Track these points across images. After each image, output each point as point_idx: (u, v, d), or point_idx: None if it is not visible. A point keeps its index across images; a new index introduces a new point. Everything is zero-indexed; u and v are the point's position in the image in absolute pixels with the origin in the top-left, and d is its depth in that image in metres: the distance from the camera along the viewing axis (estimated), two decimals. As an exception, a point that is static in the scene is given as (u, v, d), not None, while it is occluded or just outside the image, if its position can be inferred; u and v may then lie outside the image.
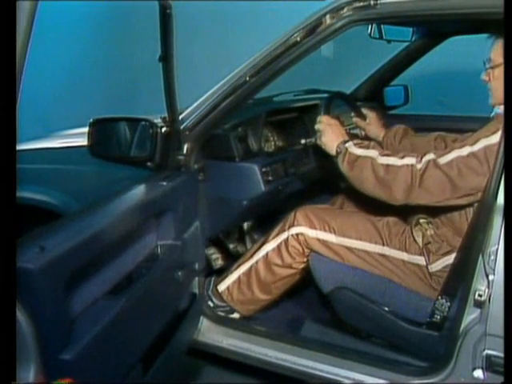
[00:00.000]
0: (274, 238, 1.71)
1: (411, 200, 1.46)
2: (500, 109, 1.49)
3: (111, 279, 1.26)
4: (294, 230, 1.67)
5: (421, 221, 1.59)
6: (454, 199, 1.44)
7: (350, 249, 1.63)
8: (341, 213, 1.75)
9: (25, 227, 0.97)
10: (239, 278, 1.75)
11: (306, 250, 1.67)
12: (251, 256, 1.75)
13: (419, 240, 1.57)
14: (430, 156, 1.44)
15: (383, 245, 1.60)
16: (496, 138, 1.38)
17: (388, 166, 1.48)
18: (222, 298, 1.78)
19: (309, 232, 1.66)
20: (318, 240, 1.65)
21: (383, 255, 1.60)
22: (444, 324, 1.49)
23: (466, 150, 1.40)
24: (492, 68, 1.49)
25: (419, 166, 1.43)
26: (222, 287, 1.77)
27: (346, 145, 1.59)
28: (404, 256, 1.58)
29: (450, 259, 1.52)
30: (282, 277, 1.72)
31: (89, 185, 1.91)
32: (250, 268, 1.74)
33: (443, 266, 1.53)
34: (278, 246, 1.69)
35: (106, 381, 1.14)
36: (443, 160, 1.42)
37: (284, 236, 1.69)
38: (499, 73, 1.47)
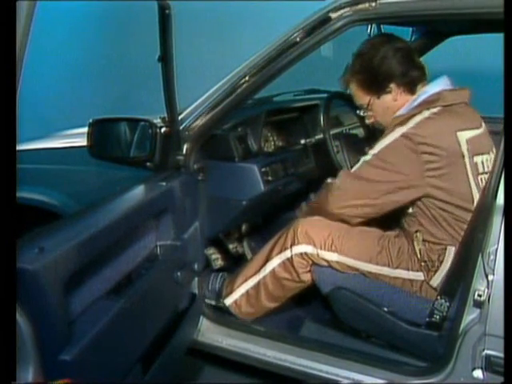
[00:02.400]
0: (277, 254, 1.69)
1: (342, 204, 1.58)
2: (399, 112, 1.58)
3: (111, 279, 1.26)
4: (297, 250, 1.65)
5: (417, 234, 1.57)
6: (383, 196, 1.51)
7: (353, 268, 1.61)
8: (341, 228, 1.66)
9: (25, 228, 0.97)
10: (247, 292, 1.74)
11: (310, 263, 1.66)
12: (257, 271, 1.73)
13: (419, 256, 1.56)
14: (342, 171, 1.65)
15: (388, 266, 1.58)
16: (388, 139, 1.50)
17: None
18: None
19: (310, 249, 1.64)
20: (320, 257, 1.63)
21: (389, 277, 1.58)
22: (443, 324, 1.48)
23: (369, 155, 1.53)
24: (366, 110, 1.65)
25: (335, 181, 1.60)
26: (228, 301, 1.76)
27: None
28: (410, 275, 1.57)
29: (444, 269, 1.53)
30: (292, 288, 1.72)
31: (88, 185, 1.91)
32: (258, 283, 1.72)
33: (442, 278, 1.53)
34: (284, 262, 1.68)
35: (105, 381, 1.14)
36: (354, 169, 1.58)
37: (288, 254, 1.67)
38: (373, 108, 1.63)
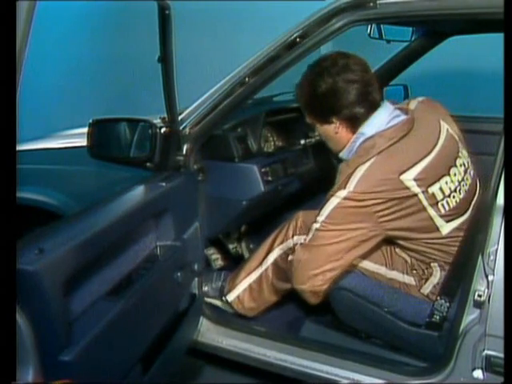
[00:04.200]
0: (279, 245, 1.72)
1: (306, 277, 1.48)
2: (341, 155, 1.56)
3: (111, 280, 1.26)
4: (298, 240, 1.67)
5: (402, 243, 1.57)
6: (346, 254, 1.45)
7: (351, 264, 1.59)
8: None
9: (25, 228, 0.97)
10: (250, 286, 1.76)
11: None
12: (260, 264, 1.75)
13: (409, 263, 1.58)
14: (298, 243, 1.58)
15: (386, 266, 1.58)
16: (331, 203, 1.43)
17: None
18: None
19: None
20: None
21: (385, 277, 1.58)
22: (444, 324, 1.48)
23: (317, 223, 1.46)
24: (316, 132, 1.62)
25: (293, 258, 1.53)
26: (231, 297, 1.77)
27: None
28: (405, 279, 1.57)
29: (435, 280, 1.53)
30: None
31: (88, 185, 1.91)
32: (261, 276, 1.75)
33: (432, 287, 1.54)
34: (286, 253, 1.70)
35: (105, 381, 1.14)
36: (308, 239, 1.50)
37: (289, 244, 1.70)
38: (318, 131, 1.60)
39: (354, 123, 1.50)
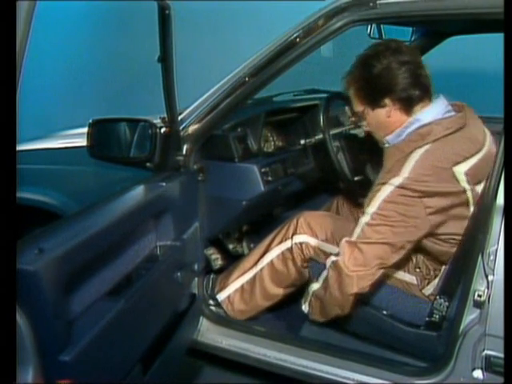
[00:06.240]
0: (277, 244, 1.70)
1: (367, 280, 1.42)
2: (388, 138, 1.52)
3: (111, 280, 1.26)
4: (298, 239, 1.66)
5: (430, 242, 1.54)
6: (396, 252, 1.41)
7: None
8: (344, 223, 1.67)
9: (25, 228, 0.97)
10: (242, 286, 1.73)
11: (309, 257, 1.66)
12: (255, 264, 1.73)
13: (414, 261, 1.57)
14: (343, 240, 1.44)
15: None
16: (384, 192, 1.38)
17: (323, 282, 1.52)
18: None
19: (311, 241, 1.64)
20: (320, 250, 1.62)
21: (386, 275, 1.57)
22: (443, 324, 1.49)
23: (367, 216, 1.40)
24: (362, 118, 1.57)
25: (340, 259, 1.43)
26: (222, 296, 1.75)
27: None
28: (406, 277, 1.57)
29: (439, 283, 1.53)
30: (288, 285, 1.72)
31: (88, 185, 1.91)
32: (254, 276, 1.72)
33: (434, 289, 1.54)
34: (283, 253, 1.68)
35: (105, 381, 1.14)
36: (356, 235, 1.42)
37: (288, 244, 1.67)
38: (366, 119, 1.55)
39: (408, 106, 1.47)
